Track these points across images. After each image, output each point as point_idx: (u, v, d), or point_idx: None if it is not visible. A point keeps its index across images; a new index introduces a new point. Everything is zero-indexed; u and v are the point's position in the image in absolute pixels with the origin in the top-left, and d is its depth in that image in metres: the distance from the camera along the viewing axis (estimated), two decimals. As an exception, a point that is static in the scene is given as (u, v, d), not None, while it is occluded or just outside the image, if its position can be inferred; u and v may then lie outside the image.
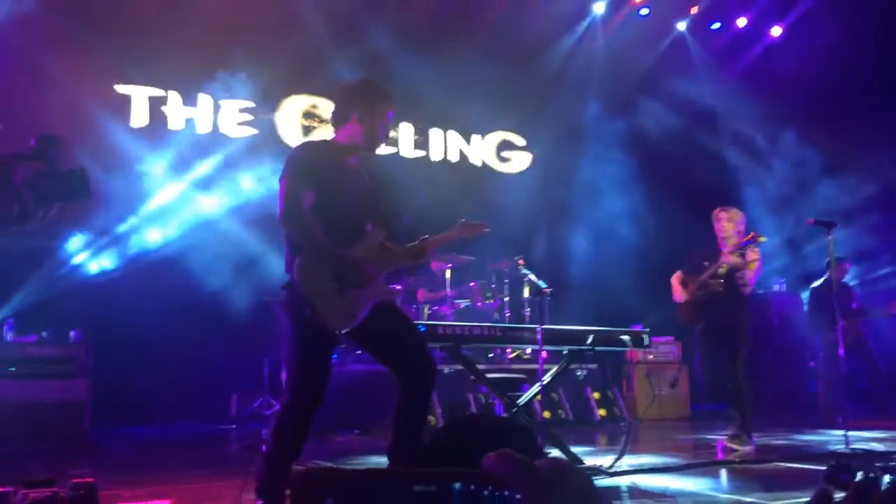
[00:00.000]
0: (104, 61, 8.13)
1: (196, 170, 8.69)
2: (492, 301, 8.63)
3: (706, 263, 5.99)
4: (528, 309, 8.68)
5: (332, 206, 3.36)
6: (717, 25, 11.85)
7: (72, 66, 7.76)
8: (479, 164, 10.78)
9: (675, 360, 9.11)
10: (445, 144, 10.55)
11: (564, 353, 5.26)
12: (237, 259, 8.25)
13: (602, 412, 8.01)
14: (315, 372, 3.31)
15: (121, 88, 8.56)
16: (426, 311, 8.30)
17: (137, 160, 8.37)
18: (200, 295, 7.98)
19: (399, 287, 7.04)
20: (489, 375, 5.98)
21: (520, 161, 11.10)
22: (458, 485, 0.49)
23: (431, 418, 6.62)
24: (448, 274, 8.35)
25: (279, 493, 3.16)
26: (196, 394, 8.00)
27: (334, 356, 4.93)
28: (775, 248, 10.52)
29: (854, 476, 1.13)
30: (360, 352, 7.40)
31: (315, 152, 3.49)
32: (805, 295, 9.67)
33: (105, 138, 8.12)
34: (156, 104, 8.73)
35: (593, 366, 8.22)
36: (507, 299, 8.76)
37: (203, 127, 8.98)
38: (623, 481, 4.48)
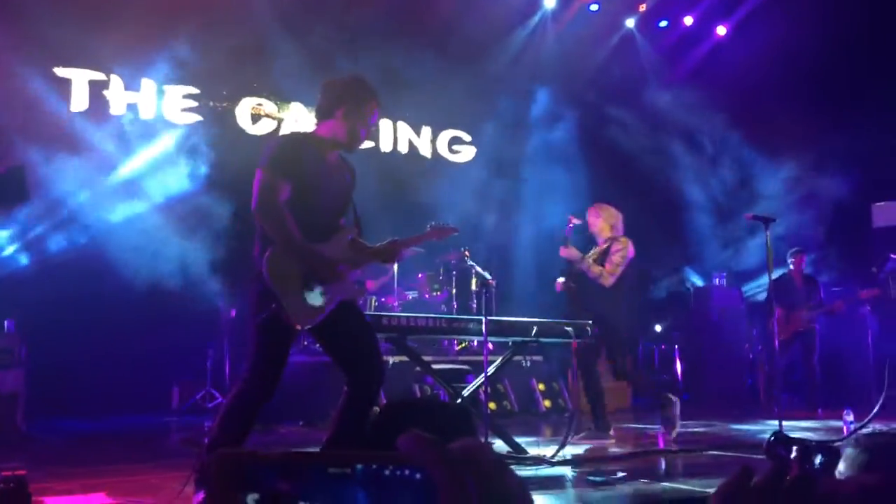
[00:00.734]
0: (43, 43, 7.88)
1: (138, 156, 8.49)
2: (439, 293, 8.62)
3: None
4: (475, 301, 8.69)
5: (308, 200, 3.31)
6: (664, 23, 12.03)
7: (9, 46, 7.50)
8: (428, 155, 10.76)
9: (619, 352, 9.21)
10: (395, 136, 10.52)
11: (510, 344, 5.30)
12: (180, 248, 8.06)
13: (547, 403, 8.08)
14: (273, 364, 3.28)
15: (60, 72, 8.31)
16: (373, 302, 8.21)
17: (78, 145, 8.13)
18: (141, 284, 7.76)
19: (364, 282, 6.96)
20: (435, 367, 5.99)
21: (466, 153, 11.12)
22: (359, 465, 0.48)
23: (376, 409, 6.59)
24: (395, 265, 8.30)
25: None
26: (136, 385, 7.81)
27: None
28: (716, 243, 10.74)
29: (790, 452, 1.16)
30: (305, 343, 7.32)
31: (296, 145, 3.44)
32: (747, 288, 9.89)
33: (44, 123, 7.89)
34: (97, 88, 8.50)
35: (539, 357, 8.28)
36: (454, 291, 8.77)
37: (146, 112, 8.77)
38: (566, 470, 4.53)
